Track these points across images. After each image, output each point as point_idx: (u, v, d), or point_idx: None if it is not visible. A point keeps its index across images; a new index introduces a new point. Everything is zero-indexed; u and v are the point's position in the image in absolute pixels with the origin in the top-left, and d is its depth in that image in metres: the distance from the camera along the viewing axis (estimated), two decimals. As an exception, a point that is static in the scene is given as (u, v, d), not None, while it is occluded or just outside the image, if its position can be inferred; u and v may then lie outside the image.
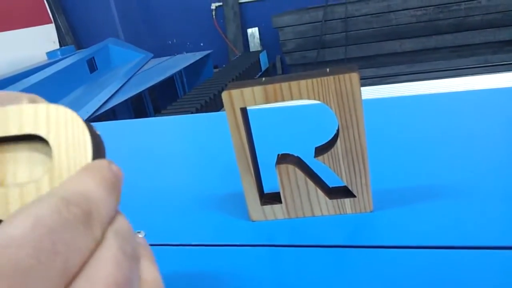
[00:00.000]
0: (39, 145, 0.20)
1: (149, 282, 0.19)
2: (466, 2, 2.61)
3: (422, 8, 2.73)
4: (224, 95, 0.33)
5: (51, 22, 3.72)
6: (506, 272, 0.28)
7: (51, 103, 0.19)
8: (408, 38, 2.81)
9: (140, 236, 0.27)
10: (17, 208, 0.17)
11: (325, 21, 2.87)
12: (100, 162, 0.19)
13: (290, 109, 0.67)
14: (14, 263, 0.14)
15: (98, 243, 0.17)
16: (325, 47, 2.94)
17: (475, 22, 2.64)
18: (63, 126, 0.19)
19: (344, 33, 2.89)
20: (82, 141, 0.19)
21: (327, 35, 2.92)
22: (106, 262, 0.16)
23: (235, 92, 0.33)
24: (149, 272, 0.19)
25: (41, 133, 0.19)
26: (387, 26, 2.82)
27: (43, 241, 0.15)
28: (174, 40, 3.87)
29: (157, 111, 2.62)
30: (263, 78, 0.34)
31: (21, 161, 0.20)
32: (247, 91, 0.33)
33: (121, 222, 0.19)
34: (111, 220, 0.18)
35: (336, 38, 2.92)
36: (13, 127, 0.19)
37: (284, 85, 0.32)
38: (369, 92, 0.74)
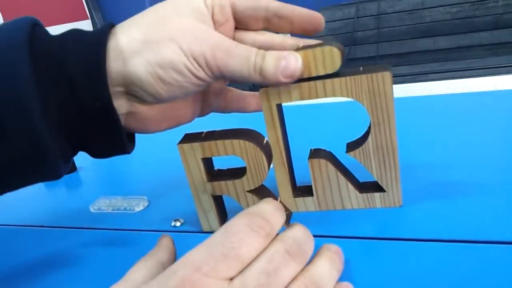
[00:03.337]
0: None
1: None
2: (504, -1, 2.54)
3: (458, 5, 2.67)
4: (261, 92, 0.35)
5: (88, 18, 3.82)
6: (532, 266, 0.28)
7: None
8: (442, 35, 2.75)
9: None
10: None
11: (358, 17, 2.85)
12: None
13: (323, 105, 0.68)
14: None
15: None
16: (356, 44, 2.92)
17: (513, 19, 2.56)
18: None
19: (377, 30, 2.86)
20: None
21: (359, 32, 2.89)
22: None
23: (271, 89, 0.35)
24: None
25: None
26: (421, 23, 2.78)
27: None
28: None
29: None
30: (298, 76, 0.36)
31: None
32: (283, 88, 0.35)
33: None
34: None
35: (368, 35, 2.89)
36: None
37: (319, 83, 0.34)
38: (401, 90, 0.74)
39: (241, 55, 0.30)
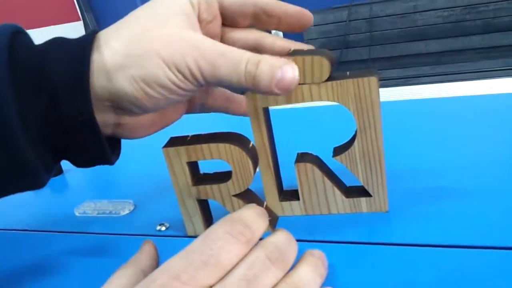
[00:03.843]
0: None
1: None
2: (495, 3, 2.56)
3: (449, 9, 2.68)
4: (247, 95, 0.35)
5: (80, 20, 3.80)
6: (517, 272, 0.28)
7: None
8: (433, 39, 2.77)
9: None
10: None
11: (350, 21, 2.85)
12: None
13: (310, 109, 0.68)
14: None
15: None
16: (349, 47, 2.92)
17: (503, 23, 2.58)
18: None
19: (369, 33, 2.87)
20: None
21: (351, 35, 2.90)
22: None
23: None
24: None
25: None
26: (413, 27, 2.79)
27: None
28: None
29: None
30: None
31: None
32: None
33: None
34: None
35: (360, 38, 2.90)
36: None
37: (305, 87, 0.34)
38: (393, 93, 0.74)
39: (229, 63, 0.29)
